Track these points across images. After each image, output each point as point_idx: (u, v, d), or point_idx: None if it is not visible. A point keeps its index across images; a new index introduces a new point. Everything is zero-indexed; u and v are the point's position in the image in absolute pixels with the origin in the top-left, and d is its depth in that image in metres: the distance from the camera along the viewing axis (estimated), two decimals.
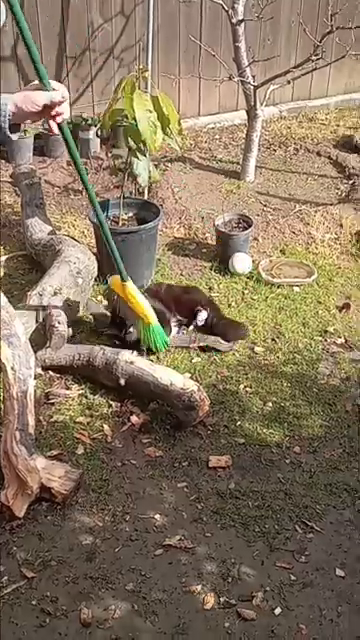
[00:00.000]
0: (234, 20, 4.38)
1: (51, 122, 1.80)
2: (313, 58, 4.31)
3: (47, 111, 1.74)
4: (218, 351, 3.46)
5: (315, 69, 4.55)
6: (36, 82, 1.76)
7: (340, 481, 2.81)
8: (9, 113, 1.69)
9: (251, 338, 3.57)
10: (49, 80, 1.73)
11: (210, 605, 2.34)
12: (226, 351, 3.46)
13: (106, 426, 3.01)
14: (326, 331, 3.64)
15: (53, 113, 1.75)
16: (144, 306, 3.13)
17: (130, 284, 3.00)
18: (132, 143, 3.55)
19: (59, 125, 1.85)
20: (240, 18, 4.38)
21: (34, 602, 2.32)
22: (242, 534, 2.59)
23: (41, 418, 3.00)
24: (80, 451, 2.88)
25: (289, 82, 4.68)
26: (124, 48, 5.00)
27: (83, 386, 3.19)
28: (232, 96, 5.45)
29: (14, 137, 1.75)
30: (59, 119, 1.79)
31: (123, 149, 3.73)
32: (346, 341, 3.58)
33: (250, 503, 2.70)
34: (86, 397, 3.15)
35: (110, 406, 3.11)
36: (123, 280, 2.94)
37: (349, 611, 2.34)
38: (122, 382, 3.08)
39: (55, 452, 2.86)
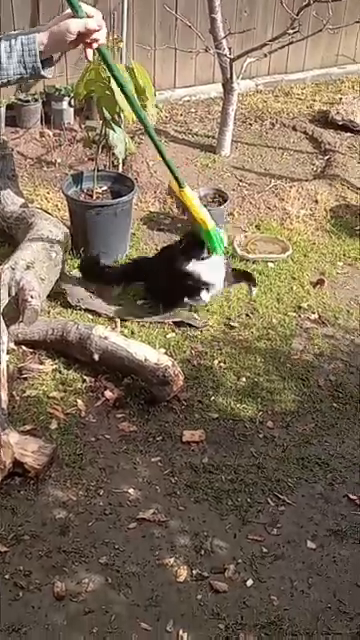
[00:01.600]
0: None
1: (87, 50, 1.73)
2: (290, 31, 4.27)
3: (82, 38, 1.68)
4: (193, 327, 3.46)
5: (292, 43, 4.51)
6: (69, 11, 1.70)
7: (312, 455, 2.84)
8: (39, 50, 1.64)
9: (225, 314, 3.57)
10: (82, 6, 1.65)
11: (183, 578, 2.36)
12: (201, 327, 3.46)
13: (80, 401, 3.00)
14: (300, 307, 3.65)
15: (88, 40, 1.69)
16: (201, 211, 3.05)
17: (187, 190, 2.92)
18: (107, 114, 3.49)
19: (98, 50, 1.76)
20: None
21: (7, 576, 2.32)
22: (215, 507, 2.61)
23: (14, 393, 2.98)
24: (54, 426, 2.88)
25: (266, 55, 4.63)
26: None
27: (57, 361, 3.17)
28: (208, 68, 5.38)
29: (49, 75, 1.71)
30: (95, 45, 1.72)
31: (97, 121, 3.67)
32: (320, 317, 3.60)
33: (223, 477, 2.72)
34: (60, 372, 3.13)
35: (84, 381, 3.10)
36: (180, 186, 2.87)
37: (319, 582, 2.38)
38: (96, 357, 3.06)
39: (28, 427, 2.85)
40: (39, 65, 1.65)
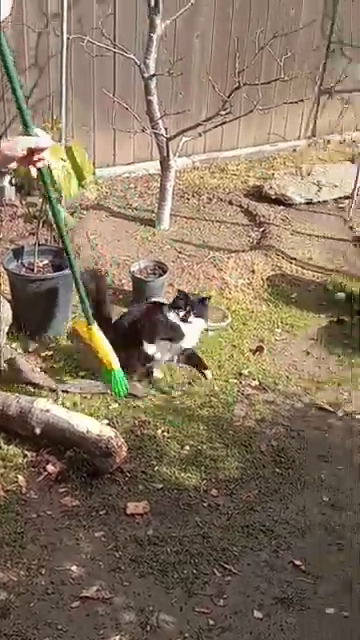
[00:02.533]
0: (146, 75, 4.53)
1: (31, 167, 1.86)
2: (222, 112, 4.49)
3: (29, 157, 1.81)
4: (135, 396, 3.47)
5: (225, 122, 4.73)
6: (21, 129, 1.84)
7: (257, 522, 2.84)
8: None
9: (168, 382, 3.60)
10: (34, 128, 1.80)
11: None
12: (143, 396, 3.48)
13: (21, 477, 2.95)
14: (241, 374, 3.71)
15: (35, 159, 1.81)
16: (108, 351, 3.05)
17: (95, 327, 2.93)
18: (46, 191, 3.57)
19: (39, 170, 1.91)
20: (152, 73, 4.53)
21: None
22: (160, 581, 2.57)
23: None
24: None
25: (200, 135, 4.85)
26: (39, 99, 5.06)
27: None
28: (146, 147, 5.58)
29: None
30: (39, 164, 1.86)
31: (37, 197, 3.75)
32: (260, 383, 3.66)
33: (168, 549, 2.69)
34: (0, 448, 3.08)
35: (25, 456, 3.05)
36: (89, 323, 2.87)
37: None
38: (37, 431, 3.03)
39: None
40: None
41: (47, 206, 3.69)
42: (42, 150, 1.80)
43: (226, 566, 2.64)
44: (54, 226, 2.35)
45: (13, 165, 1.84)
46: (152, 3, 4.41)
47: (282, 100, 5.44)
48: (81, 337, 3.06)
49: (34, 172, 1.88)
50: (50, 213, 2.15)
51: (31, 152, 1.79)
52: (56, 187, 3.53)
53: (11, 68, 1.81)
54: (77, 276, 2.56)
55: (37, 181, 3.56)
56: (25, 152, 1.78)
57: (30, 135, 1.79)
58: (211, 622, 2.43)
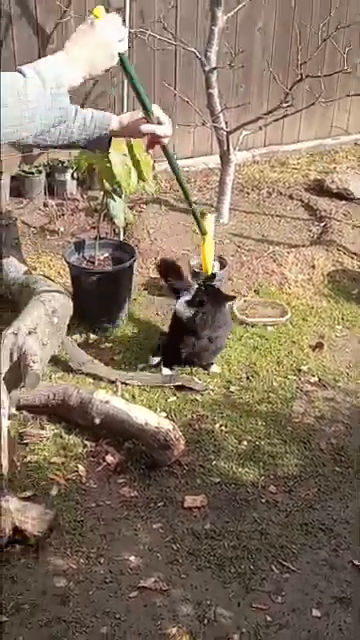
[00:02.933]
0: (207, 68, 4.51)
1: (150, 147, 1.96)
2: (283, 105, 4.45)
3: (148, 137, 1.91)
4: (193, 390, 3.48)
5: (286, 116, 4.68)
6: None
7: (316, 520, 2.81)
8: (109, 131, 1.91)
9: (226, 377, 3.59)
10: (154, 109, 1.87)
11: None
12: (201, 390, 3.48)
13: (81, 466, 2.99)
14: (300, 370, 3.67)
15: (155, 140, 1.91)
16: (209, 260, 3.19)
17: (208, 237, 3.02)
18: (107, 185, 3.61)
19: (165, 150, 2.00)
20: (213, 66, 4.51)
21: None
22: (218, 575, 2.57)
23: (15, 459, 2.96)
24: (54, 492, 2.86)
25: (260, 128, 4.81)
26: (99, 94, 5.11)
27: (58, 426, 3.18)
28: (206, 141, 5.57)
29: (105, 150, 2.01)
30: (151, 151, 1.97)
31: (98, 191, 3.79)
32: (319, 380, 3.61)
33: (226, 543, 2.69)
34: (61, 437, 3.13)
35: (85, 446, 3.10)
36: (203, 234, 2.96)
37: None
38: (97, 421, 3.07)
39: (29, 493, 2.83)
40: (106, 140, 1.94)
41: (107, 200, 3.73)
42: (162, 137, 1.89)
43: (284, 563, 2.62)
44: (176, 181, 2.41)
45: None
46: None
47: (345, 93, 5.34)
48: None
49: (151, 151, 1.96)
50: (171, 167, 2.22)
51: (151, 135, 1.89)
52: (116, 182, 3.56)
53: (136, 81, 1.86)
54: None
55: (98, 176, 3.65)
56: (143, 135, 1.89)
57: (151, 119, 1.86)
58: (269, 619, 2.42)
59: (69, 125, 1.84)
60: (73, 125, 1.86)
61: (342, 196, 5.32)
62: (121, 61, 1.67)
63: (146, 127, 1.86)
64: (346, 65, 4.55)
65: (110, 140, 1.96)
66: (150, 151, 1.97)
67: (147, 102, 1.86)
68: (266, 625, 2.40)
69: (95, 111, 1.92)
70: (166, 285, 3.87)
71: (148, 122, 1.87)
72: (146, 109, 1.86)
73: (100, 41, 1.55)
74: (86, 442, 3.10)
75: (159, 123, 1.87)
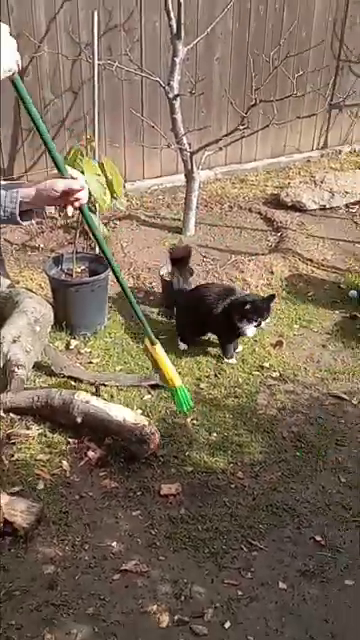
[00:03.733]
0: (170, 95, 4.53)
1: (69, 207, 1.73)
2: (240, 128, 4.48)
3: (66, 197, 1.69)
4: (166, 388, 3.46)
5: (243, 137, 4.73)
6: (55, 171, 1.71)
7: (280, 501, 2.83)
8: (20, 201, 1.66)
9: (196, 375, 3.61)
10: (67, 168, 1.69)
11: (165, 624, 2.31)
12: None
13: (65, 462, 2.98)
14: (262, 366, 3.70)
15: (72, 199, 1.70)
16: (170, 370, 2.70)
17: (158, 347, 2.60)
18: None
19: (79, 209, 1.78)
20: (176, 93, 4.53)
21: (0, 631, 2.24)
22: (193, 556, 2.57)
23: (3, 457, 2.94)
24: (40, 486, 2.84)
25: (221, 149, 4.85)
26: (74, 120, 5.10)
27: (42, 426, 3.15)
28: (172, 161, 5.59)
29: (24, 223, 1.71)
30: (77, 204, 1.73)
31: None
32: (280, 375, 3.64)
33: (199, 527, 2.70)
34: (45, 436, 3.11)
35: (68, 443, 3.08)
36: (152, 343, 2.57)
37: (292, 621, 2.34)
38: (79, 420, 3.05)
39: (17, 488, 2.81)
40: (16, 213, 1.66)
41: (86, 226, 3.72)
42: (77, 192, 1.69)
43: (253, 542, 2.63)
44: (91, 237, 2.09)
45: (50, 208, 1.74)
46: (174, 30, 4.41)
47: (296, 115, 5.43)
48: (150, 354, 2.68)
49: (69, 211, 1.74)
50: (94, 238, 1.88)
51: (66, 193, 1.68)
52: (92, 200, 3.56)
53: (34, 113, 1.60)
54: (129, 296, 2.20)
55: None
56: (59, 193, 1.66)
57: (64, 177, 1.67)
58: (240, 593, 2.43)
59: None
60: None
61: (296, 208, 5.38)
62: (13, 84, 1.52)
63: (61, 182, 1.66)
64: (295, 90, 4.61)
65: (31, 213, 1.71)
66: (71, 213, 1.73)
67: (57, 158, 1.68)
68: (237, 599, 2.41)
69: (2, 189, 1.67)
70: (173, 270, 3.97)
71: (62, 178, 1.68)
72: (58, 167, 1.67)
73: None
74: (69, 440, 3.09)
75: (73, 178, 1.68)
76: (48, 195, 1.66)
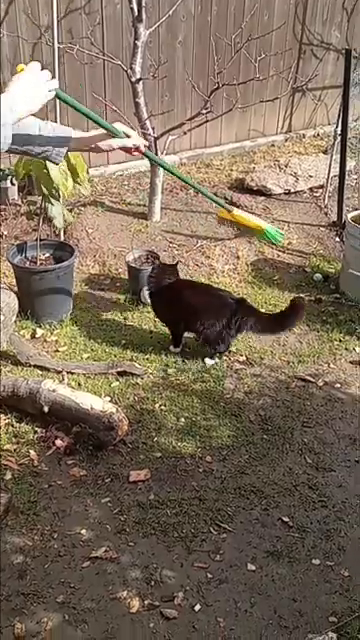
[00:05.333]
0: (133, 79, 4.47)
1: (130, 154, 2.15)
2: (203, 112, 4.45)
3: (123, 150, 2.09)
4: (134, 375, 3.47)
5: (207, 121, 4.68)
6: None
7: (248, 484, 2.85)
8: (64, 152, 2.02)
9: (163, 361, 3.60)
10: (120, 128, 2.05)
11: (135, 609, 2.32)
12: (141, 374, 3.47)
13: (32, 451, 2.95)
14: (229, 351, 3.70)
15: (131, 150, 2.09)
16: (253, 220, 3.31)
17: (235, 211, 3.18)
18: (45, 190, 3.54)
19: (143, 154, 2.16)
20: (138, 77, 4.47)
21: None
22: (162, 540, 2.58)
23: None
24: (8, 476, 2.81)
25: (185, 133, 4.80)
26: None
27: (9, 415, 3.12)
28: None
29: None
30: (136, 153, 2.12)
31: (38, 196, 3.72)
32: (247, 358, 3.66)
33: (168, 511, 2.70)
34: (12, 426, 3.08)
35: (36, 432, 3.05)
36: (229, 211, 3.11)
37: (261, 601, 2.37)
38: (46, 409, 3.03)
39: None
40: (58, 163, 2.09)
41: (46, 203, 3.67)
42: (132, 149, 2.08)
43: (221, 525, 2.65)
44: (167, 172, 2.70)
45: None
46: (136, 12, 4.34)
47: (259, 99, 5.40)
48: (229, 220, 3.40)
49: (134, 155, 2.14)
50: (167, 171, 2.61)
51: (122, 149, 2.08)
52: (54, 186, 3.50)
53: (79, 108, 2.01)
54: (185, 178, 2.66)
55: (36, 182, 3.58)
56: (116, 149, 2.06)
57: (118, 136, 2.05)
58: (209, 576, 2.45)
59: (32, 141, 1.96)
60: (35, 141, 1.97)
61: (261, 192, 5.37)
62: (58, 97, 1.83)
63: (116, 142, 2.05)
64: (258, 73, 4.59)
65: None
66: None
67: (107, 125, 2.03)
68: (207, 582, 2.43)
69: (57, 127, 2.01)
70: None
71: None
72: (111, 132, 2.03)
73: (27, 85, 1.69)
74: (36, 429, 3.06)
75: (127, 137, 2.06)
76: (106, 149, 2.06)
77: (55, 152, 1.99)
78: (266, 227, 3.33)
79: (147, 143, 2.19)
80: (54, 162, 2.04)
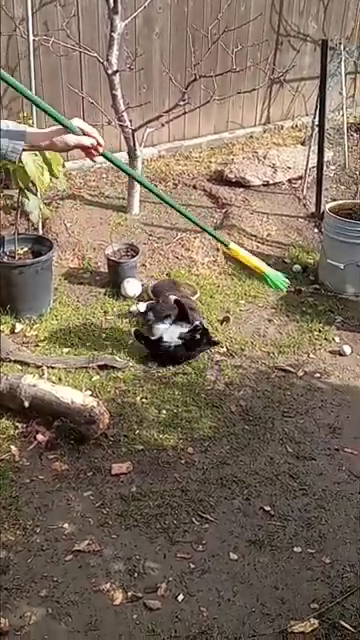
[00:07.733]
0: (109, 71, 4.45)
1: (88, 156, 1.93)
2: (181, 103, 4.44)
3: (82, 149, 1.87)
4: (115, 368, 3.47)
5: (185, 113, 4.68)
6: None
7: (229, 474, 2.87)
8: (19, 149, 1.81)
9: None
10: (76, 124, 1.83)
11: (119, 600, 2.33)
12: (122, 367, 3.47)
13: (13, 447, 2.94)
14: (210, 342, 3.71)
15: (88, 151, 1.88)
16: (253, 260, 2.83)
17: (233, 246, 2.74)
18: (21, 184, 3.52)
19: (102, 154, 1.93)
20: (114, 69, 4.45)
21: None
22: (145, 532, 2.59)
23: None
24: None
25: (163, 125, 4.79)
26: (11, 99, 4.94)
27: None
28: (115, 138, 5.48)
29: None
30: (96, 153, 1.90)
31: (15, 190, 3.69)
32: (228, 350, 3.67)
33: (151, 503, 2.71)
34: None
35: (16, 427, 3.04)
36: (226, 245, 2.73)
37: (243, 590, 2.39)
38: (26, 404, 3.02)
39: None
40: (15, 161, 1.85)
41: (22, 198, 3.64)
42: (90, 147, 1.86)
43: (203, 515, 2.67)
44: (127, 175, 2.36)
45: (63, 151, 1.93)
46: (111, 4, 4.32)
47: (237, 90, 5.40)
48: (231, 257, 3.06)
49: (94, 159, 1.95)
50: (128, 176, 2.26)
51: (80, 147, 1.85)
52: (30, 180, 3.48)
53: (33, 99, 1.85)
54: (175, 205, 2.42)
55: (13, 176, 3.55)
56: (70, 147, 1.84)
57: (75, 133, 1.83)
58: (192, 566, 2.47)
59: None
60: None
61: (240, 184, 5.38)
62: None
63: (72, 138, 1.83)
64: (235, 65, 4.58)
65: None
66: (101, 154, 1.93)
67: (58, 117, 1.82)
68: (190, 572, 2.44)
69: (12, 124, 1.83)
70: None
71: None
72: (67, 127, 1.82)
73: None
74: (17, 424, 3.05)
75: (84, 134, 1.85)
76: (62, 147, 1.85)
77: (10, 149, 1.80)
78: (266, 271, 2.82)
79: (104, 144, 1.89)
80: (10, 160, 1.84)
